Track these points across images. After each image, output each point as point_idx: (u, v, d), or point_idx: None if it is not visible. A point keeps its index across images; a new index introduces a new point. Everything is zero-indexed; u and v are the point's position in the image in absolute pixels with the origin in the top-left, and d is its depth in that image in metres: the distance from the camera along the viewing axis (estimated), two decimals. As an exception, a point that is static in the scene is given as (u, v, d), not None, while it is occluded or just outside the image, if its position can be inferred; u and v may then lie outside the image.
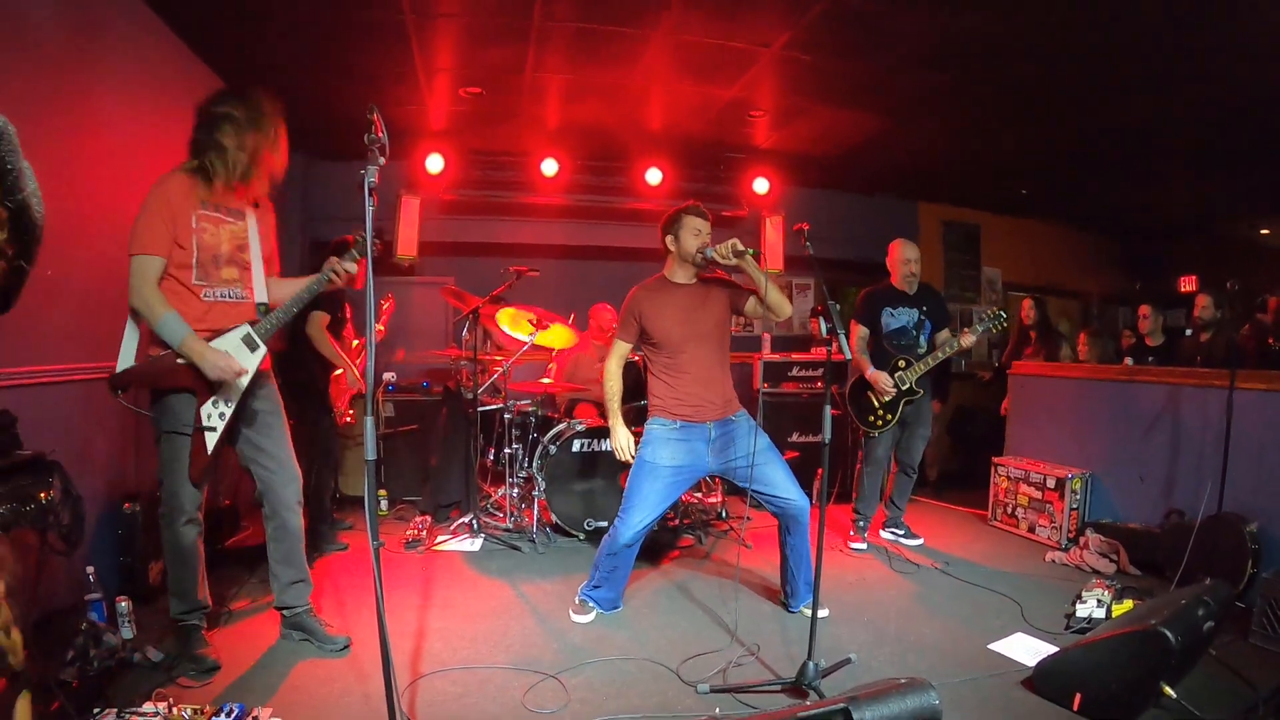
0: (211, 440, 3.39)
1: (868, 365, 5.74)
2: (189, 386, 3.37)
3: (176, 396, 3.39)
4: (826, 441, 3.49)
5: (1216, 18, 4.78)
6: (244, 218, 3.56)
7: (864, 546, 5.89)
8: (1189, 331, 6.88)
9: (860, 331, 5.89)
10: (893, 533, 6.13)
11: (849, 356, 3.47)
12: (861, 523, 6.00)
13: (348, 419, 5.46)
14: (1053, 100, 6.40)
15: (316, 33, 5.33)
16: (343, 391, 5.46)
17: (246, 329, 3.47)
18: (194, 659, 3.48)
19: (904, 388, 5.68)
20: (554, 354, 7.04)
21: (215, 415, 3.40)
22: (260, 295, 3.58)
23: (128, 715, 2.93)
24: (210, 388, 3.38)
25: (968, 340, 5.53)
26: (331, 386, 5.32)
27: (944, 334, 5.88)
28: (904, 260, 5.91)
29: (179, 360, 3.32)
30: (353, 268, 3.58)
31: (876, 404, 5.76)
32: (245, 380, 3.45)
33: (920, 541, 6.01)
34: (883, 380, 5.64)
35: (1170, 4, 4.65)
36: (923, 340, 5.84)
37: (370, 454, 2.55)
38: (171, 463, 3.42)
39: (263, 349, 3.52)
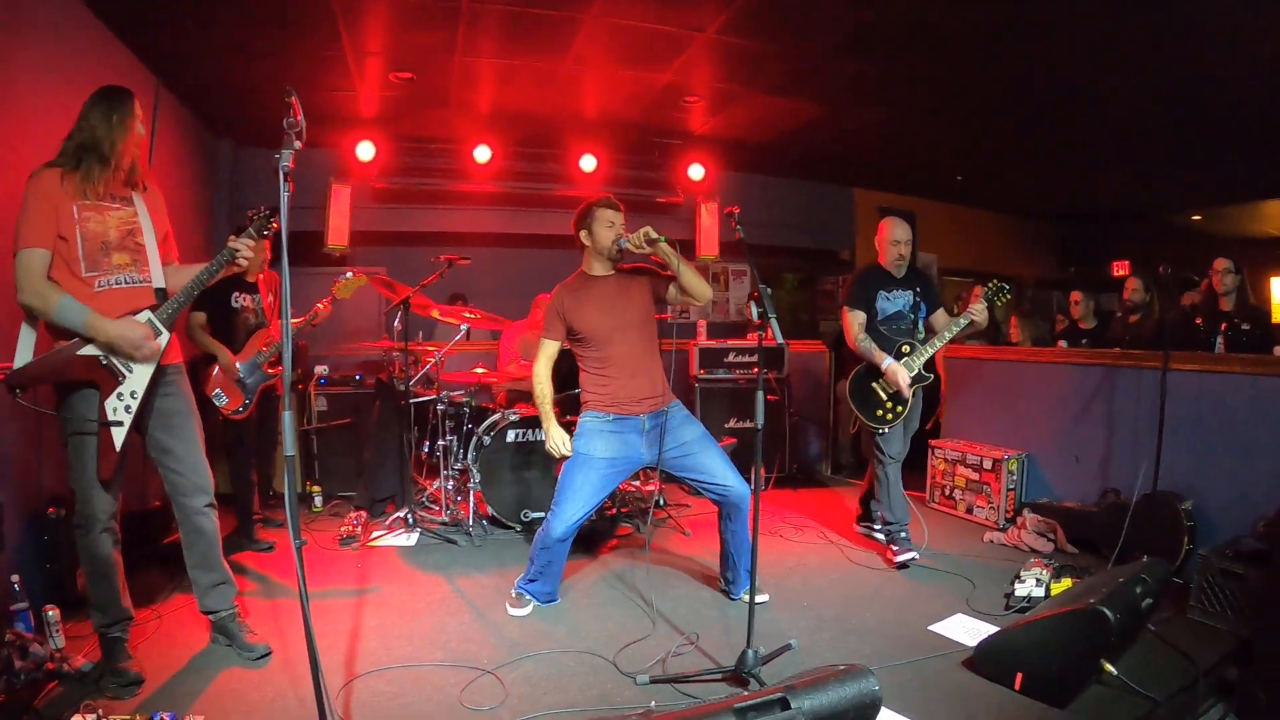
0: (119, 435, 3.24)
1: (882, 355, 5.07)
2: (90, 380, 3.23)
3: (79, 393, 3.25)
4: (760, 427, 3.45)
5: (1160, 4, 4.83)
6: (131, 202, 3.43)
7: (913, 556, 5.13)
8: (1119, 313, 7.01)
9: (858, 318, 5.22)
10: (866, 527, 5.79)
11: (780, 341, 3.43)
12: (903, 534, 5.23)
13: (225, 407, 5.21)
14: (985, 87, 6.46)
15: (244, 16, 5.17)
16: (210, 379, 5.19)
17: (148, 315, 3.34)
18: (116, 673, 3.35)
19: (913, 374, 5.07)
20: (501, 340, 6.92)
21: (121, 408, 3.26)
22: (158, 279, 3.45)
23: (56, 727, 2.83)
24: (114, 377, 3.26)
25: (980, 311, 4.96)
26: (209, 380, 5.11)
27: (942, 315, 5.34)
28: (893, 241, 5.29)
29: (80, 352, 3.19)
30: (245, 246, 3.45)
31: (884, 396, 5.12)
32: (152, 364, 3.34)
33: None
34: (901, 375, 4.97)
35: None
36: (920, 324, 5.30)
37: (289, 449, 2.49)
38: (80, 467, 3.27)
39: (166, 335, 3.39)
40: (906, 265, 5.34)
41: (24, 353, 3.18)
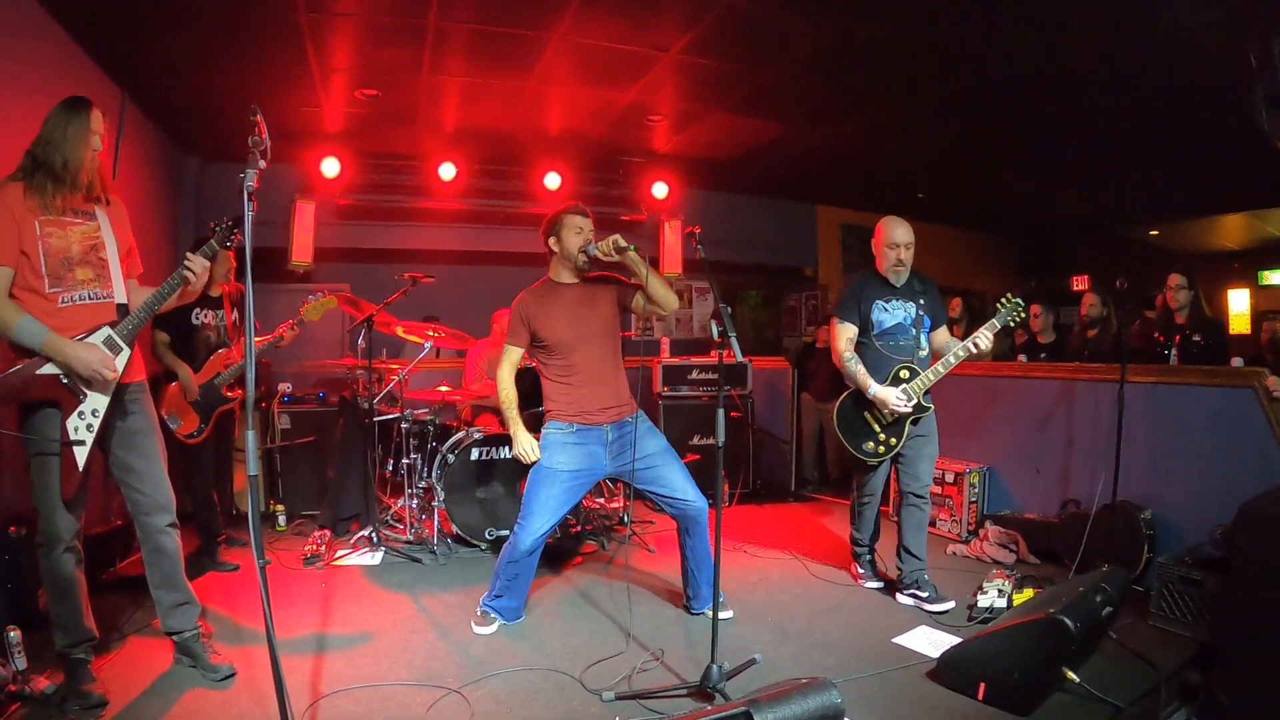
0: (81, 455, 3.20)
1: (868, 379, 4.51)
2: (51, 399, 3.19)
3: (41, 413, 3.20)
4: (721, 444, 3.46)
5: (1114, 21, 4.93)
6: (94, 217, 3.38)
7: (880, 584, 4.97)
8: (1077, 328, 7.12)
9: (847, 331, 4.68)
10: (913, 595, 4.65)
11: (740, 359, 3.42)
12: (868, 556, 5.06)
13: (179, 430, 5.15)
14: (944, 106, 6.56)
15: (210, 31, 5.16)
16: (164, 401, 5.14)
17: (107, 331, 3.29)
18: (80, 695, 3.30)
19: (911, 404, 4.48)
20: (466, 358, 6.91)
21: (83, 428, 3.21)
22: (120, 294, 3.41)
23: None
24: (74, 396, 3.21)
25: (985, 340, 4.33)
26: (165, 399, 5.05)
27: (943, 334, 4.80)
28: (890, 243, 4.63)
29: (39, 371, 3.14)
30: (204, 262, 3.42)
31: (877, 427, 4.62)
32: (113, 383, 3.29)
33: (950, 605, 4.54)
34: (891, 399, 4.42)
35: (1065, 8, 4.80)
36: (924, 340, 4.68)
37: (252, 469, 2.47)
38: (43, 487, 3.23)
39: (127, 351, 3.35)
40: (907, 272, 4.70)
41: None
